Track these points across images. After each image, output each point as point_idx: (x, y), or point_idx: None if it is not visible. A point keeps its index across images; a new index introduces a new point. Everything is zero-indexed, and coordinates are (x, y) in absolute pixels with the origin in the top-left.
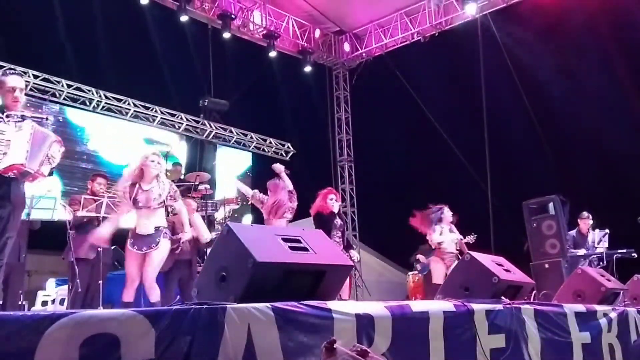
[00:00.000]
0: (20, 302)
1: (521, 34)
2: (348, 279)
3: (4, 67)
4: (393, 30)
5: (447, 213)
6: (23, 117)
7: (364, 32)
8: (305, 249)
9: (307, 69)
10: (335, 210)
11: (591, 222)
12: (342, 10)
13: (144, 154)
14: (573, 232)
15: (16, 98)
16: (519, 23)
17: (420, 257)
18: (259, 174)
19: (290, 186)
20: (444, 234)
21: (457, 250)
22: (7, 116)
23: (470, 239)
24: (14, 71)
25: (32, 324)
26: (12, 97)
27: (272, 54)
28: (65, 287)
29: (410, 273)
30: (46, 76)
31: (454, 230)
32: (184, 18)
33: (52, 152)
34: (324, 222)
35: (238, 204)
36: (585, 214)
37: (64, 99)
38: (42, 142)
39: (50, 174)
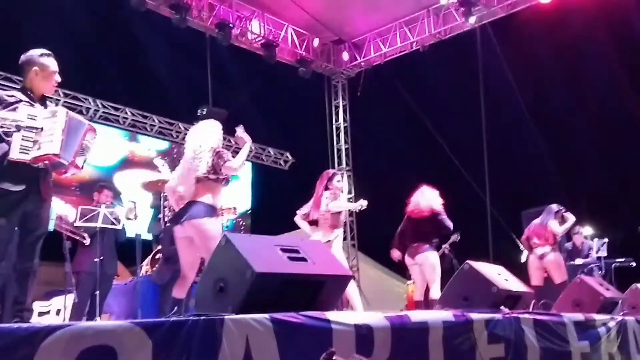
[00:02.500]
0: None
1: (520, 43)
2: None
3: (2, 75)
4: (392, 39)
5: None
6: (18, 127)
7: (362, 41)
8: (303, 259)
9: (306, 78)
10: None
11: (586, 233)
12: (341, 19)
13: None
14: (569, 245)
15: (56, 82)
16: (518, 32)
17: None
18: (258, 183)
19: None
20: None
21: None
22: (41, 99)
23: (455, 237)
24: (50, 53)
25: (28, 336)
26: (54, 81)
27: (271, 62)
28: (62, 297)
29: (409, 282)
30: None
31: None
32: (181, 26)
33: (87, 141)
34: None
35: (235, 214)
36: (577, 228)
37: None
38: (76, 131)
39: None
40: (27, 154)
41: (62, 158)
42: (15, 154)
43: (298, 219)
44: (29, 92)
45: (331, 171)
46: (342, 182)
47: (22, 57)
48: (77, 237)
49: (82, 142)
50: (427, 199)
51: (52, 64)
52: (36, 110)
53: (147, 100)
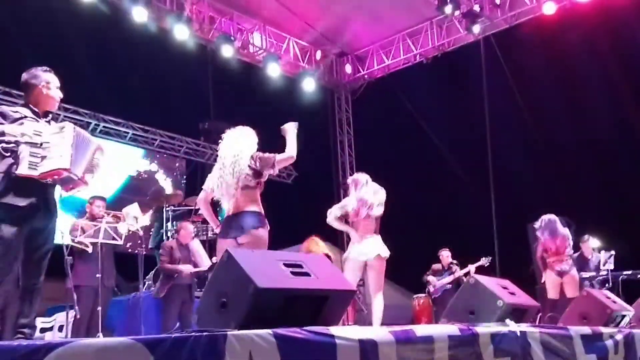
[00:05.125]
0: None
1: (524, 55)
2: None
3: (2, 89)
4: (395, 51)
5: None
6: (17, 143)
7: (365, 54)
8: (307, 274)
9: (308, 90)
10: None
11: (594, 245)
12: (344, 31)
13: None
14: (576, 255)
15: (60, 97)
16: (521, 44)
17: (431, 279)
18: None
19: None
20: None
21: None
22: (45, 115)
23: (485, 261)
24: (51, 69)
25: (29, 353)
26: (57, 96)
27: (273, 75)
28: (64, 313)
29: (415, 296)
30: None
31: None
32: (181, 39)
33: (96, 159)
34: None
35: None
36: (586, 237)
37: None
38: (86, 147)
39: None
40: (36, 169)
41: (72, 173)
42: (24, 170)
43: (334, 221)
44: (33, 108)
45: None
46: None
47: (26, 75)
48: (82, 247)
49: (91, 159)
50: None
51: (55, 79)
52: (42, 125)
53: (148, 114)
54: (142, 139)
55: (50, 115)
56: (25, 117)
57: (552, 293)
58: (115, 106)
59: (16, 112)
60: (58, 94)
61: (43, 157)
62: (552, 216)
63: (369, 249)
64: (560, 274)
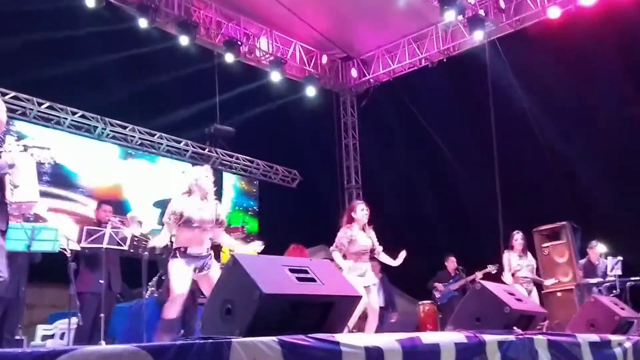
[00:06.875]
0: (18, 337)
1: (529, 59)
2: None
3: (8, 93)
4: (400, 55)
5: (517, 241)
6: (25, 148)
7: (371, 58)
8: (312, 280)
9: (314, 94)
10: None
11: (601, 250)
12: (349, 36)
13: (195, 170)
14: (583, 261)
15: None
16: (526, 48)
17: (437, 285)
18: (266, 202)
19: None
20: (512, 261)
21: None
22: None
23: (492, 268)
24: None
25: None
26: (6, 120)
27: (279, 79)
28: (66, 320)
29: (420, 303)
30: (50, 104)
31: (526, 256)
32: (188, 43)
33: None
34: None
35: (244, 234)
36: (593, 243)
37: (68, 126)
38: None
39: None
40: (12, 196)
41: (37, 205)
42: (8, 195)
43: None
44: None
45: (355, 202)
46: (365, 210)
47: None
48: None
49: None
50: None
51: (3, 104)
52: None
53: (154, 118)
54: (149, 143)
55: (18, 145)
56: None
57: None
58: (122, 110)
59: None
60: (6, 119)
61: (15, 186)
62: None
63: None
64: None
